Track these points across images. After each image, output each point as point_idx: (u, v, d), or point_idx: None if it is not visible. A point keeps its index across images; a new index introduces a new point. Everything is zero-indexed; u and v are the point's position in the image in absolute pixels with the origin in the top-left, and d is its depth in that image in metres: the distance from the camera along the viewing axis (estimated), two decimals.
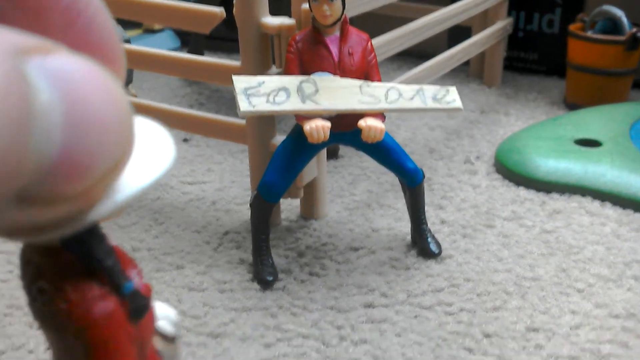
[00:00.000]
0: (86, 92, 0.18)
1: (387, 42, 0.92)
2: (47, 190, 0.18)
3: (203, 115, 0.87)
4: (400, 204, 0.90)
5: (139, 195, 0.27)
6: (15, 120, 0.16)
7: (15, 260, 0.80)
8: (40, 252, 0.31)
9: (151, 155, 0.29)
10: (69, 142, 0.18)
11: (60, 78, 0.18)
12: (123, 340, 0.32)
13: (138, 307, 0.32)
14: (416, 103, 0.69)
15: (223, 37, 1.56)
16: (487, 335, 0.66)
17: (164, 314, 0.45)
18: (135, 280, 0.34)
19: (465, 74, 1.38)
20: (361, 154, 1.03)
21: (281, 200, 0.82)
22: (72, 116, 0.18)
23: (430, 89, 0.70)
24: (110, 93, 0.19)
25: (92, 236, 0.30)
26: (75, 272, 0.31)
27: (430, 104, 0.69)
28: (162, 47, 1.23)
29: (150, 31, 1.50)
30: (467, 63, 1.32)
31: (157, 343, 0.44)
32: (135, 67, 0.91)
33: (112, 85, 0.20)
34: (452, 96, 0.70)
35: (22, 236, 0.22)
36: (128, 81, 1.16)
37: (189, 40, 1.44)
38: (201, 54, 1.37)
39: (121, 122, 0.20)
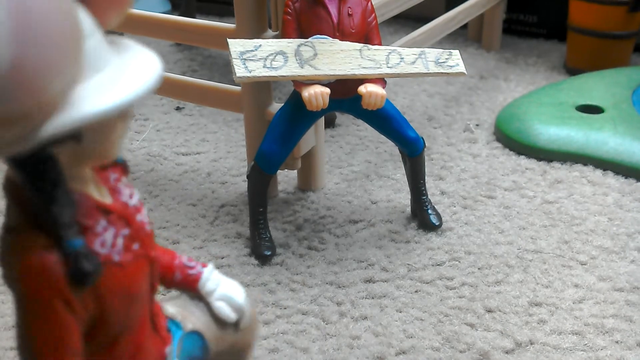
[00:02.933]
0: (34, 7, 0.17)
1: (384, 4, 0.89)
2: (3, 107, 0.18)
3: (196, 82, 0.85)
4: (399, 175, 0.88)
5: (104, 115, 0.24)
6: None
7: None
8: (6, 189, 0.29)
9: (128, 77, 0.26)
10: (18, 56, 0.17)
11: None
12: (54, 303, 0.28)
13: (81, 271, 0.28)
14: (418, 68, 0.67)
15: (215, 0, 1.52)
16: (489, 310, 0.65)
17: (224, 294, 0.41)
18: (100, 238, 0.30)
19: (464, 37, 1.35)
20: (359, 122, 1.01)
21: (277, 171, 0.80)
22: (20, 27, 0.17)
23: (432, 53, 0.68)
24: (61, 4, 0.18)
25: (45, 176, 0.27)
26: (31, 215, 0.28)
27: (433, 69, 0.68)
28: (152, 10, 1.19)
29: None
30: (465, 26, 1.29)
31: (208, 325, 0.40)
32: (124, 31, 0.88)
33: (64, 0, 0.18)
34: (454, 60, 0.68)
35: None
36: None
37: (180, 4, 1.40)
38: (192, 17, 1.33)
39: (71, 36, 0.18)
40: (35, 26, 0.17)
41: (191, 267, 0.41)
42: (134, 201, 0.33)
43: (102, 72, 0.25)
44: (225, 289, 0.42)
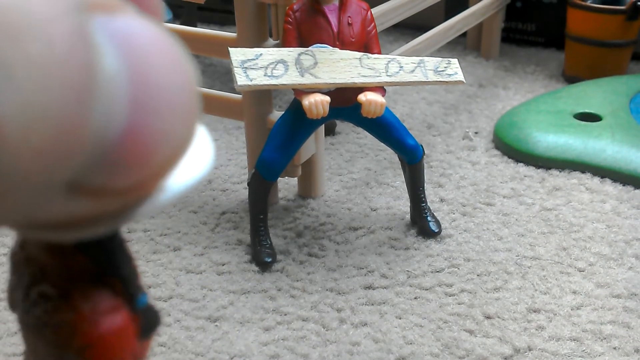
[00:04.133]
0: (155, 62, 0.15)
1: (383, 13, 0.90)
2: (103, 179, 0.15)
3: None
4: (398, 182, 0.89)
5: (181, 196, 0.23)
6: (77, 89, 0.13)
7: (10, 242, 0.78)
8: (48, 251, 0.28)
9: (191, 153, 0.26)
10: (133, 121, 0.14)
11: (127, 42, 0.14)
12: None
13: (149, 323, 0.29)
14: (417, 76, 0.68)
15: (216, 9, 1.53)
16: (488, 317, 0.66)
17: None
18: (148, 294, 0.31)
19: (463, 46, 1.36)
20: (358, 130, 1.02)
21: (278, 179, 0.81)
22: (138, 89, 0.14)
23: (431, 61, 0.69)
24: (180, 65, 0.16)
25: (112, 239, 0.26)
26: (87, 278, 0.28)
27: (432, 77, 0.68)
28: None
29: None
30: (464, 35, 1.30)
31: None
32: None
33: (181, 55, 0.16)
34: (453, 69, 0.69)
35: (56, 232, 0.19)
36: None
37: (181, 13, 1.41)
38: (194, 26, 1.34)
39: (189, 101, 0.16)
40: (155, 89, 0.15)
41: None
42: None
43: None
44: None
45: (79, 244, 0.27)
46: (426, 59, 0.69)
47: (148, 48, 0.15)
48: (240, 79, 0.63)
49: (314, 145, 0.83)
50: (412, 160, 0.76)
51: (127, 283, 0.28)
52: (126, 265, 0.27)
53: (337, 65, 0.66)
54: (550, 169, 0.91)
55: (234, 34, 0.77)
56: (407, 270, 0.73)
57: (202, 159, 0.26)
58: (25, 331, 0.29)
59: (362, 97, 0.67)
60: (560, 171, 0.90)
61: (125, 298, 0.28)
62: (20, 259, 0.28)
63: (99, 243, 0.26)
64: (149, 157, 0.15)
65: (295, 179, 0.87)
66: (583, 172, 0.90)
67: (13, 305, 0.33)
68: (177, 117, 0.16)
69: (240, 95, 0.80)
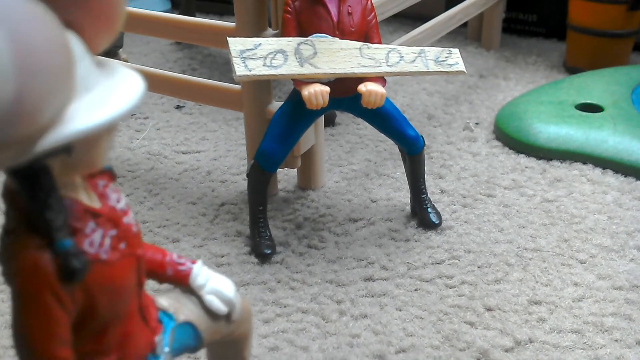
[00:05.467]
0: (33, 34, 0.17)
1: (384, 3, 0.89)
2: (6, 135, 0.18)
3: (196, 81, 0.85)
4: (399, 173, 0.88)
5: (93, 131, 0.27)
6: None
7: None
8: (6, 196, 0.32)
9: (115, 96, 0.30)
10: (20, 88, 0.17)
11: (5, 18, 0.17)
12: (46, 298, 0.31)
13: (70, 268, 0.31)
14: (418, 66, 0.67)
15: None
16: (488, 309, 0.66)
17: (214, 288, 0.43)
18: (89, 242, 0.33)
19: (463, 36, 1.35)
20: (358, 120, 1.01)
21: (277, 170, 0.80)
22: (21, 60, 0.17)
23: (431, 51, 0.68)
24: (56, 34, 0.18)
25: (39, 184, 0.30)
26: (27, 219, 0.31)
27: (432, 67, 0.68)
28: (151, 8, 1.19)
29: None
30: (465, 25, 1.29)
31: (200, 318, 0.42)
32: (124, 29, 0.88)
33: (57, 25, 0.18)
34: (454, 59, 0.69)
35: None
36: (118, 45, 1.12)
37: (179, 2, 1.40)
38: (192, 15, 1.33)
39: (65, 63, 0.19)
40: (34, 57, 0.17)
41: (181, 264, 0.44)
42: (121, 205, 0.36)
43: (92, 91, 0.29)
44: (215, 283, 0.44)
45: (18, 190, 0.30)
46: (427, 49, 0.69)
47: (24, 20, 0.17)
48: (239, 69, 0.62)
49: (314, 136, 0.82)
50: (412, 151, 0.75)
51: (49, 226, 0.31)
52: (51, 209, 0.30)
53: (337, 55, 0.65)
54: (551, 160, 0.91)
55: (233, 24, 0.76)
56: (408, 262, 0.72)
57: (119, 105, 0.29)
58: None
59: (362, 87, 0.66)
60: (561, 162, 0.90)
61: (48, 241, 0.31)
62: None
63: (27, 188, 0.30)
64: (38, 111, 0.18)
65: (295, 170, 0.87)
66: (584, 163, 0.89)
67: None
68: (56, 75, 0.18)
69: (240, 86, 0.79)
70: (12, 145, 0.21)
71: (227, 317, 0.44)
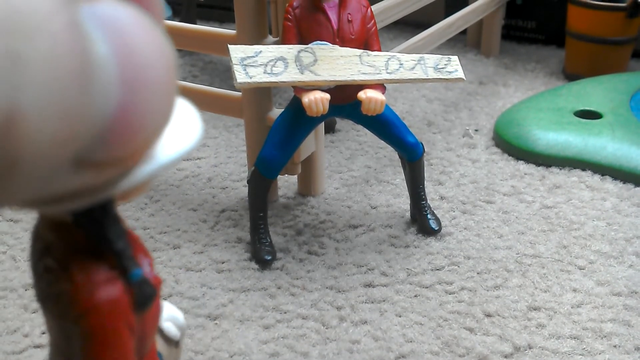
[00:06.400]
0: (139, 45, 0.16)
1: (383, 10, 0.90)
2: (103, 153, 0.17)
3: (197, 88, 0.85)
4: (398, 180, 0.89)
5: (168, 167, 0.26)
6: (77, 76, 0.14)
7: (9, 240, 0.78)
8: (51, 228, 0.30)
9: (178, 128, 0.28)
10: (125, 100, 0.16)
11: (112, 28, 0.16)
12: (123, 331, 0.30)
13: (144, 296, 0.30)
14: (417, 73, 0.68)
15: (215, 6, 1.53)
16: (488, 315, 0.66)
17: (171, 315, 0.44)
18: (145, 268, 0.32)
19: (463, 43, 1.36)
20: (358, 127, 1.02)
21: (278, 176, 0.81)
22: (126, 71, 0.16)
23: (431, 59, 0.69)
24: (161, 47, 0.17)
25: (106, 215, 0.28)
26: (84, 252, 0.29)
27: (432, 75, 0.68)
28: None
29: None
30: (464, 32, 1.30)
31: (159, 344, 0.43)
32: None
33: (161, 35, 0.17)
34: (453, 66, 0.69)
35: (60, 204, 0.20)
36: None
37: (180, 10, 1.41)
38: (193, 23, 1.34)
39: (170, 77, 0.18)
40: (141, 70, 0.16)
41: None
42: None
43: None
44: (169, 311, 0.44)
45: (78, 221, 0.28)
46: (426, 56, 0.69)
47: (131, 31, 0.16)
48: (240, 77, 0.63)
49: (314, 142, 0.82)
50: (412, 157, 0.75)
51: (120, 257, 0.29)
52: (120, 240, 0.29)
53: (337, 63, 0.66)
54: (550, 166, 0.91)
55: (234, 31, 0.77)
56: (407, 268, 0.72)
57: (190, 134, 0.28)
58: (39, 302, 0.31)
59: (362, 94, 0.67)
60: (560, 169, 0.90)
61: (119, 271, 0.29)
62: (34, 237, 0.30)
63: (94, 219, 0.28)
64: (139, 129, 0.17)
65: (295, 176, 0.87)
66: (583, 169, 0.90)
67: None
68: (160, 91, 0.17)
69: (240, 93, 0.80)
70: (110, 166, 0.18)
71: (177, 343, 0.45)
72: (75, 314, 0.29)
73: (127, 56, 0.16)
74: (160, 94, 0.17)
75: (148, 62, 0.17)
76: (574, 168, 0.90)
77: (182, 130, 0.28)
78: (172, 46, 0.18)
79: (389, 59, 0.67)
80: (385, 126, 0.73)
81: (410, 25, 1.39)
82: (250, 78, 0.63)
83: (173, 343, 0.44)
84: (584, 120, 0.96)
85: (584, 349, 0.61)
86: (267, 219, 0.75)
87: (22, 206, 0.21)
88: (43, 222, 0.30)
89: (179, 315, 0.44)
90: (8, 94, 0.13)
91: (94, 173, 0.17)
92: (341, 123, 1.04)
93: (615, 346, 0.62)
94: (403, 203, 0.83)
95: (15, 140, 0.14)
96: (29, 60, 0.13)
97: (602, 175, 0.88)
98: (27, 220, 0.82)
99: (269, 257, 0.73)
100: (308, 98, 0.66)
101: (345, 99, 0.69)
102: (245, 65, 0.63)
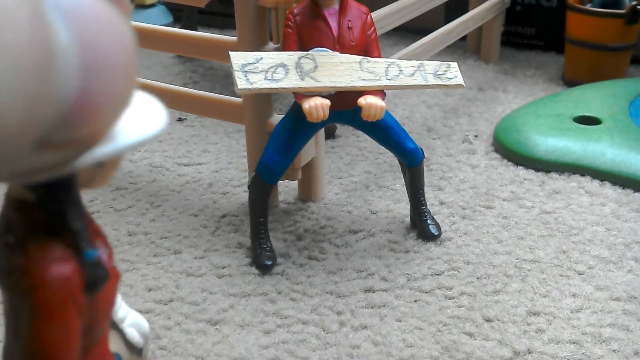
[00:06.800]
0: (99, 32, 0.17)
1: (383, 17, 0.90)
2: (64, 135, 0.18)
3: (198, 94, 0.86)
4: (398, 185, 0.89)
5: (127, 150, 0.27)
6: (39, 65, 0.15)
7: None
8: (14, 207, 0.31)
9: (142, 118, 0.29)
10: (85, 86, 0.17)
11: (74, 17, 0.17)
12: (70, 309, 0.31)
13: (96, 277, 0.31)
14: (417, 80, 0.68)
15: (216, 12, 1.54)
16: (487, 320, 0.66)
17: (135, 321, 0.44)
18: (102, 255, 0.33)
19: (463, 49, 1.36)
20: (358, 133, 1.02)
21: (278, 182, 0.81)
22: (86, 58, 0.17)
23: (430, 65, 0.69)
24: (121, 33, 0.18)
25: (67, 195, 0.29)
26: (43, 230, 0.31)
27: (431, 81, 0.68)
28: (153, 22, 1.20)
29: (141, 6, 1.47)
30: (464, 39, 1.31)
31: (121, 349, 0.43)
32: None
33: (122, 24, 0.18)
34: (453, 72, 0.69)
35: (27, 178, 0.22)
36: None
37: (181, 16, 1.41)
38: (194, 29, 1.34)
39: (128, 63, 0.19)
40: (100, 55, 0.17)
41: None
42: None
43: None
44: (133, 317, 0.45)
45: (40, 200, 0.30)
46: (426, 62, 0.69)
47: (92, 20, 0.17)
48: (241, 83, 0.63)
49: (314, 148, 0.83)
50: (412, 163, 0.76)
51: (76, 237, 0.30)
52: (78, 220, 0.30)
53: (337, 69, 0.66)
54: (549, 172, 0.91)
55: (234, 38, 0.77)
56: (407, 273, 0.73)
57: (154, 124, 0.29)
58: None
59: (362, 100, 0.67)
60: (559, 174, 0.91)
61: (74, 251, 0.30)
62: (0, 216, 0.32)
63: (55, 199, 0.29)
64: (98, 112, 0.18)
65: (296, 182, 0.87)
66: (582, 175, 0.90)
67: None
68: (118, 77, 0.18)
69: (241, 99, 0.80)
70: (66, 147, 0.21)
71: (139, 352, 0.45)
72: (25, 287, 0.30)
73: (88, 44, 0.17)
74: (118, 79, 0.18)
75: (107, 49, 0.18)
76: (573, 173, 0.90)
77: (147, 121, 0.29)
78: (133, 32, 0.20)
79: (389, 65, 0.68)
80: (385, 132, 0.74)
81: (410, 31, 1.39)
82: (251, 84, 0.63)
83: (136, 350, 0.44)
84: (583, 126, 0.96)
85: (583, 353, 0.62)
86: (267, 224, 0.76)
87: None
88: (8, 202, 0.31)
89: (144, 323, 0.44)
90: None
91: (55, 152, 0.18)
92: (341, 129, 1.04)
93: (614, 351, 0.62)
94: (403, 208, 0.84)
95: None
96: None
97: (601, 180, 0.89)
98: None
99: (270, 262, 0.74)
100: (308, 104, 0.66)
101: (345, 105, 0.70)
102: (246, 71, 0.64)
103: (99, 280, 0.31)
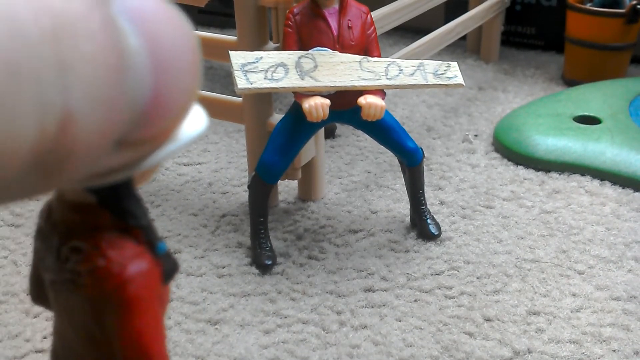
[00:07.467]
0: (165, 33, 0.18)
1: (383, 16, 0.90)
2: (139, 133, 0.18)
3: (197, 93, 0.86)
4: (398, 185, 0.89)
5: (180, 149, 0.27)
6: (116, 70, 0.16)
7: (10, 245, 0.79)
8: (75, 210, 0.31)
9: (188, 118, 0.30)
10: (156, 85, 0.18)
11: (141, 19, 0.17)
12: (155, 300, 0.31)
13: (170, 268, 0.32)
14: (417, 79, 0.68)
15: (216, 12, 1.54)
16: (487, 319, 0.66)
17: None
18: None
19: (463, 49, 1.36)
20: (358, 132, 1.02)
21: (278, 181, 0.81)
22: (156, 58, 0.17)
23: (430, 64, 0.69)
24: (184, 32, 0.19)
25: (129, 194, 0.30)
26: (110, 230, 0.31)
27: (431, 80, 0.68)
28: None
29: None
30: (464, 38, 1.31)
31: None
32: None
33: (184, 24, 0.19)
34: (453, 72, 0.69)
35: (103, 178, 0.22)
36: None
37: None
38: (194, 29, 1.34)
39: (194, 61, 0.19)
40: (167, 54, 0.18)
41: None
42: None
43: None
44: None
45: (103, 201, 0.30)
46: (426, 62, 0.69)
47: (157, 20, 0.18)
48: (241, 82, 0.63)
49: (314, 148, 0.83)
50: (411, 163, 0.76)
51: (147, 232, 0.31)
52: (145, 216, 0.31)
53: (337, 69, 0.66)
54: (549, 171, 0.91)
55: (234, 37, 0.77)
56: (407, 273, 0.73)
57: (199, 120, 0.29)
58: (58, 294, 0.32)
59: (362, 100, 0.67)
60: (559, 174, 0.91)
61: (147, 245, 0.31)
62: (47, 228, 0.32)
63: (120, 198, 0.30)
64: (170, 108, 0.19)
65: (296, 181, 0.87)
66: (582, 174, 0.90)
67: (35, 289, 0.35)
68: (186, 72, 0.19)
69: (241, 99, 0.80)
70: (145, 144, 0.21)
71: None
72: (111, 287, 0.30)
73: (156, 44, 0.17)
74: (186, 77, 0.19)
75: (174, 49, 0.18)
76: (573, 173, 0.90)
77: (191, 120, 0.29)
78: (193, 28, 0.20)
79: (389, 64, 0.68)
80: (385, 131, 0.74)
81: (410, 31, 1.39)
82: (251, 84, 0.63)
83: None
84: (583, 125, 0.96)
85: (583, 353, 0.62)
86: (267, 224, 0.76)
87: (67, 185, 0.23)
88: (62, 207, 0.31)
89: None
90: (61, 101, 0.15)
91: (132, 151, 0.19)
92: (341, 128, 1.04)
93: (614, 350, 0.62)
94: (403, 208, 0.84)
95: (68, 139, 0.15)
96: (74, 64, 0.15)
97: (601, 180, 0.89)
98: (28, 225, 0.82)
99: (270, 262, 0.74)
100: (308, 103, 0.66)
101: (345, 105, 0.70)
102: (246, 71, 0.63)
103: (172, 270, 0.32)
